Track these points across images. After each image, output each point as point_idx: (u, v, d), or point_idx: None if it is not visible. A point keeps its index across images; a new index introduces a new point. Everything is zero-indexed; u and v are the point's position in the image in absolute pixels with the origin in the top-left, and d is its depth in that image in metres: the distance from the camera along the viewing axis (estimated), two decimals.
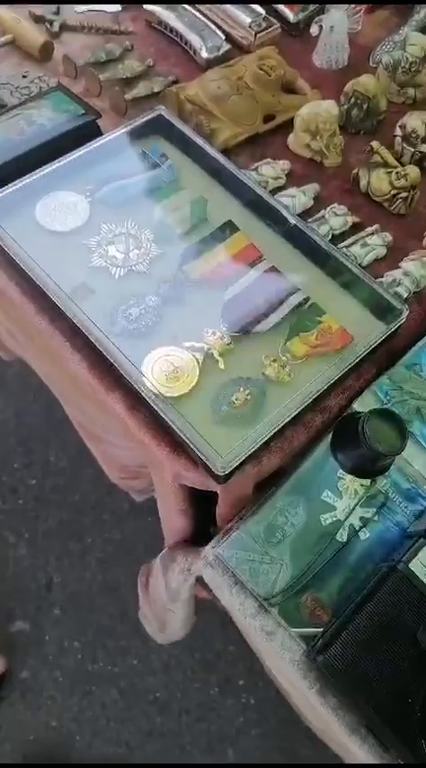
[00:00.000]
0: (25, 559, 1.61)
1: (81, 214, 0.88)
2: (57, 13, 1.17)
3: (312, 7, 1.19)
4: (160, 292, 0.83)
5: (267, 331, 0.82)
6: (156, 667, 1.50)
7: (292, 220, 0.89)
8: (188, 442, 0.72)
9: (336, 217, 0.95)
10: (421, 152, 1.00)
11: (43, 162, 0.89)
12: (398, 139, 1.02)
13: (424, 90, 1.11)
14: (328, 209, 0.97)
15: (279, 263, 0.87)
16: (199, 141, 0.96)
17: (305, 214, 0.97)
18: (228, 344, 0.80)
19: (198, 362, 0.78)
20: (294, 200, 0.96)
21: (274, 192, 0.98)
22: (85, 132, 0.93)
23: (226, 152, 1.01)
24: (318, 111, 0.98)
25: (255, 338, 0.81)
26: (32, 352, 1.07)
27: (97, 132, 0.95)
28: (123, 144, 0.94)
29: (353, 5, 1.08)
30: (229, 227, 0.89)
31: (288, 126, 1.06)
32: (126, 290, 0.84)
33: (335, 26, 1.09)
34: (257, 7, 1.17)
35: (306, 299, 0.84)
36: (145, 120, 0.95)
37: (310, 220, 0.95)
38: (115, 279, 0.84)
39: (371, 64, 1.17)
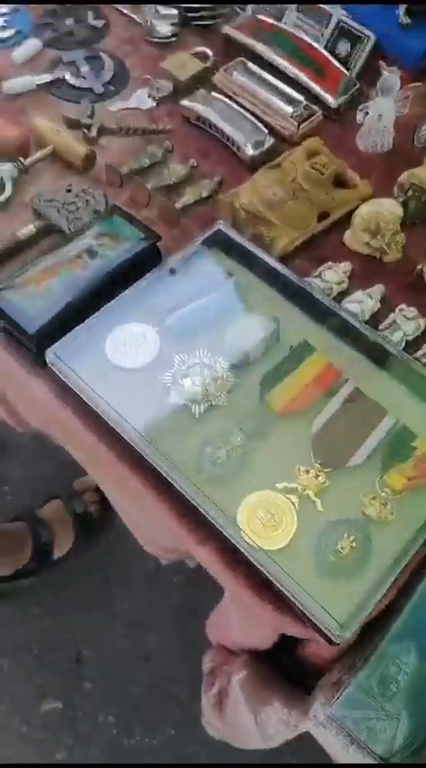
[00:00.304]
0: (51, 632, 1.57)
1: (151, 346, 0.85)
2: (92, 116, 1.14)
3: (352, 90, 1.16)
4: (244, 429, 0.80)
5: (361, 463, 0.78)
6: (196, 735, 1.44)
7: (368, 334, 0.87)
8: (297, 604, 0.68)
9: (408, 321, 0.92)
10: None
11: (109, 294, 0.86)
12: None
13: None
14: (397, 311, 0.94)
15: (360, 382, 0.84)
16: (258, 252, 0.93)
17: (373, 319, 0.94)
18: (323, 483, 0.76)
19: (294, 506, 0.75)
20: (362, 305, 0.93)
21: (338, 297, 0.95)
22: (147, 256, 0.90)
23: (282, 258, 0.98)
24: (379, 210, 0.96)
25: (349, 472, 0.78)
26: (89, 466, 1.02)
27: (157, 253, 0.92)
28: (185, 265, 0.91)
29: (402, 90, 1.05)
30: (305, 348, 0.86)
31: (342, 221, 1.04)
32: (208, 428, 0.80)
33: (384, 114, 1.06)
34: (297, 95, 1.15)
35: (396, 423, 0.81)
36: (204, 237, 0.93)
37: (381, 327, 0.92)
38: (195, 417, 0.81)
39: (416, 144, 1.15)
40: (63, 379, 0.81)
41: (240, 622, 0.90)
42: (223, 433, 0.80)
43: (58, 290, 0.85)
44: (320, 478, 0.76)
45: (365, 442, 0.79)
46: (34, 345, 0.82)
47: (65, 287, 0.85)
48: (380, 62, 1.06)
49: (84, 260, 0.87)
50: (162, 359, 0.85)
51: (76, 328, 0.83)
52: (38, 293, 0.84)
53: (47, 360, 0.81)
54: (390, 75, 1.03)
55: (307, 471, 0.77)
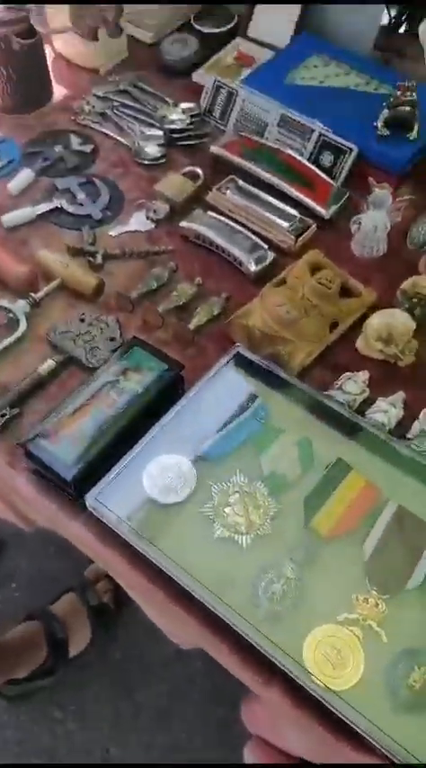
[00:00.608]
0: (76, 734, 1.50)
1: (187, 477, 0.85)
2: (93, 243, 1.16)
3: (342, 199, 1.21)
4: (294, 558, 0.79)
5: (418, 586, 0.77)
6: None
7: (397, 447, 0.87)
8: (379, 746, 0.66)
9: None
10: None
11: (139, 427, 0.86)
12: None
13: None
14: (423, 417, 0.95)
15: (401, 498, 0.84)
16: (279, 371, 0.95)
17: (399, 427, 0.95)
18: (383, 611, 0.75)
19: (359, 639, 0.73)
20: (387, 414, 0.94)
21: (362, 405, 0.96)
22: (172, 385, 0.90)
23: (301, 372, 0.99)
24: (391, 322, 0.98)
25: (407, 597, 0.77)
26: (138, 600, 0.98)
27: (181, 380, 0.93)
28: (209, 391, 0.92)
29: (396, 201, 1.10)
30: (340, 467, 0.86)
31: (352, 326, 1.06)
32: (258, 560, 0.79)
33: (378, 225, 1.11)
34: (291, 209, 1.19)
35: None
36: (225, 361, 0.94)
37: (409, 436, 0.93)
38: (243, 549, 0.80)
39: (409, 245, 1.19)
40: (105, 522, 0.79)
41: (308, 747, 0.86)
42: (273, 564, 0.78)
43: (90, 430, 0.84)
44: (380, 607, 0.75)
45: (418, 563, 0.78)
46: (73, 491, 0.80)
47: (95, 427, 0.84)
48: (370, 179, 1.10)
49: (111, 397, 0.86)
50: (200, 489, 0.84)
51: (112, 469, 0.82)
52: (70, 437, 0.83)
53: (87, 504, 0.80)
54: (381, 192, 1.07)
55: (366, 600, 0.76)
